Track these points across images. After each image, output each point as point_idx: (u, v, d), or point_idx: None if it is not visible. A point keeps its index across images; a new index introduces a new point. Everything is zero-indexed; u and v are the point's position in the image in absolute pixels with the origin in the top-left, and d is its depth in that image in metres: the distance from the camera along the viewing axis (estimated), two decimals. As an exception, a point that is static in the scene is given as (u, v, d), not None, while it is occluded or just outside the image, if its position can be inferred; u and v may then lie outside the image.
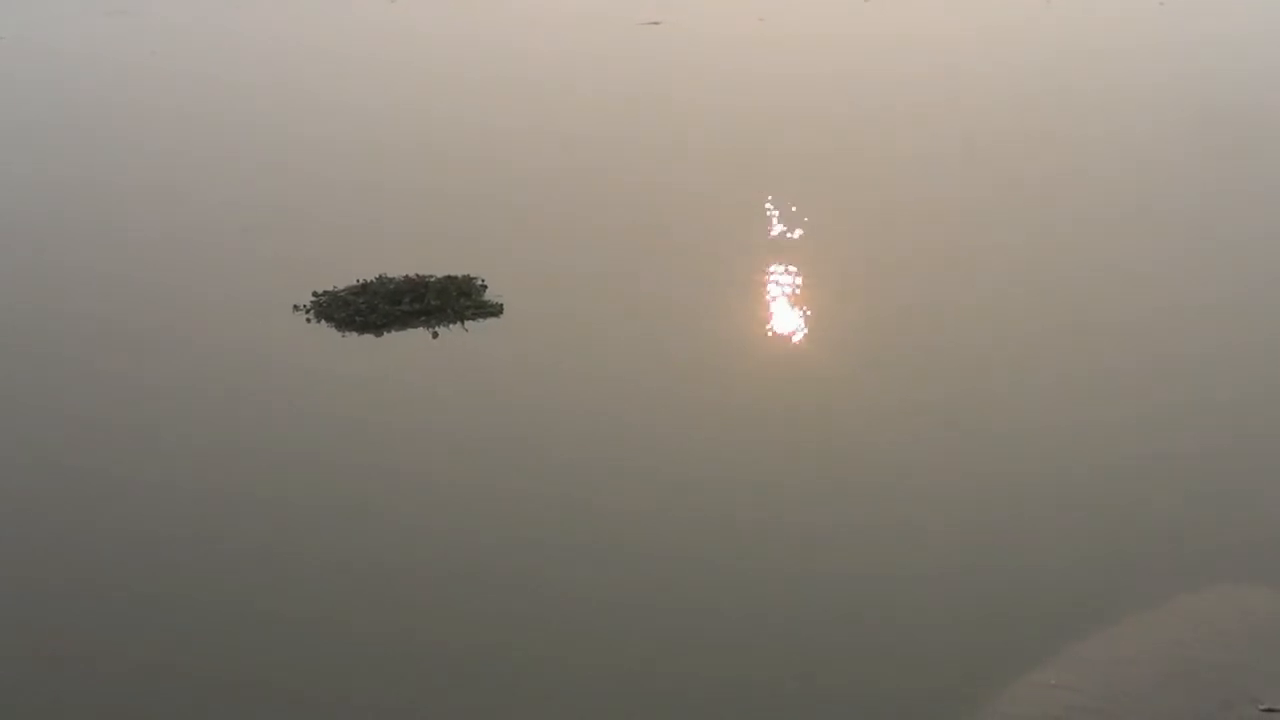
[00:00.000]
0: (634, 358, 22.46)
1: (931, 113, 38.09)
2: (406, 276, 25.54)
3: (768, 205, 29.66)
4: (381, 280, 25.44)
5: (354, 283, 25.60)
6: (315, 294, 25.24)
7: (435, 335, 23.63)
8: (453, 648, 14.87)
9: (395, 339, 23.65)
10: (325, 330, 24.08)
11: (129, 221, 30.24)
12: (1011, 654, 14.16)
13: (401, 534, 17.27)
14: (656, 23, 57.99)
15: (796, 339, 23.01)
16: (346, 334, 23.92)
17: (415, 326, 24.11)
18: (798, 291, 24.79)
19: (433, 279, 25.37)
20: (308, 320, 24.42)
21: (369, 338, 23.74)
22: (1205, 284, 24.57)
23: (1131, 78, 42.69)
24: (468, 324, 24.08)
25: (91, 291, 26.24)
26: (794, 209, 29.44)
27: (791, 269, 25.83)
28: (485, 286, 25.39)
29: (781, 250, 27.03)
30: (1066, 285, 24.61)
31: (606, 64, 48.57)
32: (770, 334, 23.30)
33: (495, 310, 24.50)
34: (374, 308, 24.43)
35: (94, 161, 36.58)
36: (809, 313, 23.92)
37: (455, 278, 25.49)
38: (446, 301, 24.62)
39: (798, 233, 28.01)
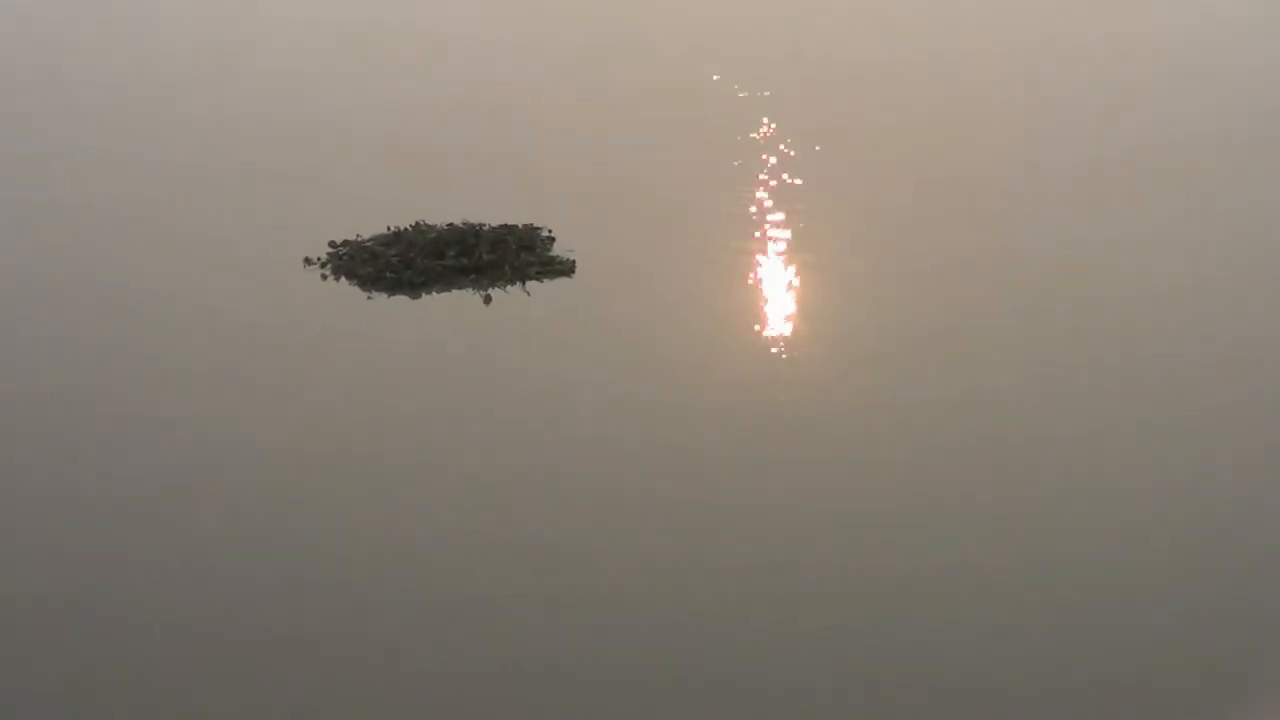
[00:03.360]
0: (727, 330, 17.00)
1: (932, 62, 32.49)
2: (451, 224, 20.04)
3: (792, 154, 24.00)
4: (420, 228, 19.95)
5: (384, 230, 20.14)
6: (333, 244, 19.80)
7: (488, 299, 18.26)
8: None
9: (436, 303, 18.32)
10: (346, 291, 18.78)
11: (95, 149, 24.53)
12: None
13: (427, 556, 12.12)
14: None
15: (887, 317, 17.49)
16: (374, 295, 18.52)
17: (462, 287, 18.74)
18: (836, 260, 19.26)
19: (486, 228, 19.87)
20: (324, 277, 19.05)
21: (402, 300, 18.45)
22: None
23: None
24: (530, 285, 18.54)
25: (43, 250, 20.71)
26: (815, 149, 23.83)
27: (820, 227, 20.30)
28: (553, 239, 19.90)
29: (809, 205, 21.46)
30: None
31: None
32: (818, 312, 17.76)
33: (565, 269, 19.04)
34: (410, 262, 18.99)
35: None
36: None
37: (514, 227, 20.01)
38: (503, 256, 19.17)
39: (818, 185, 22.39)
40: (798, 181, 22.31)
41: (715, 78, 27.97)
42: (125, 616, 12.04)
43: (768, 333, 17.18)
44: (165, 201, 22.00)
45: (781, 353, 16.64)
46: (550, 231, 20.13)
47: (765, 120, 25.31)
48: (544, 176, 22.69)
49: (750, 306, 17.96)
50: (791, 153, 23.65)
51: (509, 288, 18.58)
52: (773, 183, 22.20)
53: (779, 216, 20.73)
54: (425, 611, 11.97)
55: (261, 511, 13.75)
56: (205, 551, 13.07)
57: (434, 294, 18.50)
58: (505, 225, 20.04)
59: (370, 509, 13.70)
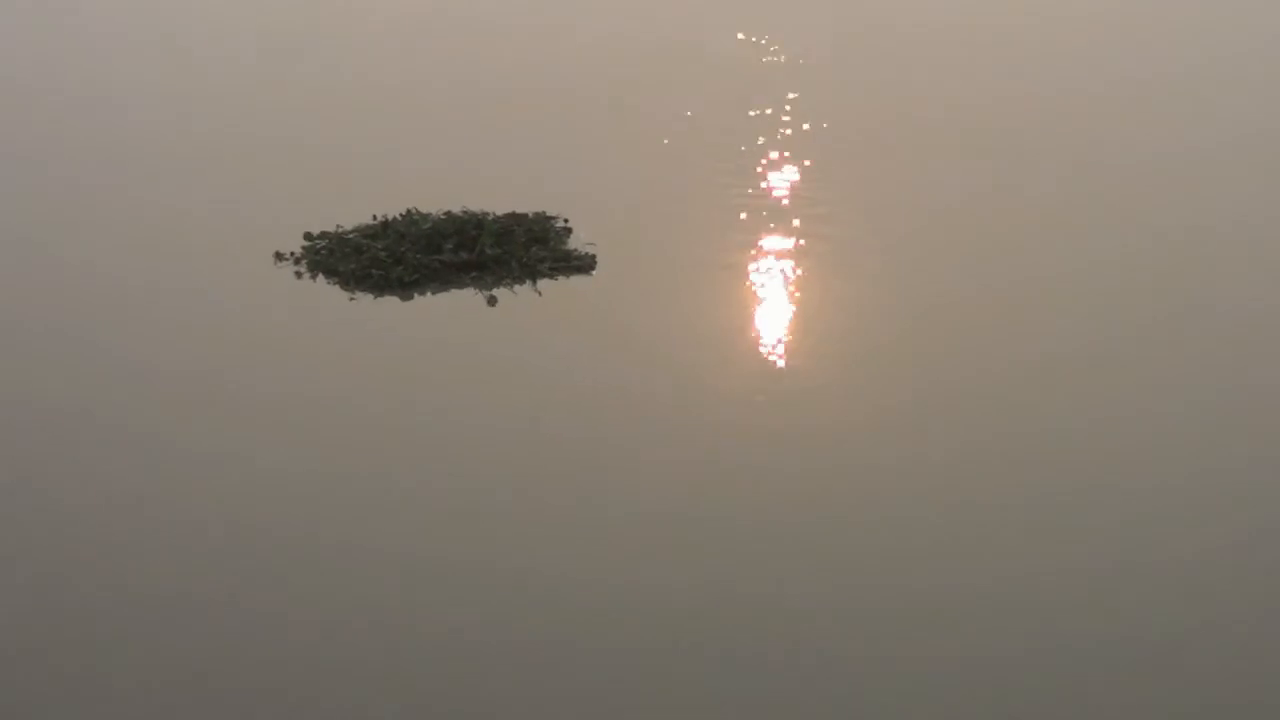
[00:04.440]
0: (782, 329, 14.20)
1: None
2: (449, 212, 17.11)
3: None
4: (412, 217, 17.04)
5: (370, 220, 17.20)
6: (310, 236, 16.89)
7: (493, 301, 15.35)
8: None
9: (430, 305, 15.38)
10: (324, 290, 15.82)
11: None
12: None
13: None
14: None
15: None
16: (357, 296, 15.62)
17: (462, 286, 15.79)
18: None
19: (490, 217, 16.98)
20: (298, 275, 16.18)
21: (391, 302, 15.49)
22: None
23: None
24: (543, 284, 15.68)
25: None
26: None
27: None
28: (570, 230, 16.98)
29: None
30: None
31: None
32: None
33: (585, 264, 16.14)
34: (400, 257, 16.05)
35: None
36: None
37: (524, 216, 17.10)
38: (511, 250, 16.29)
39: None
40: (845, 162, 19.32)
41: (738, 36, 24.94)
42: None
43: (821, 334, 14.28)
44: (105, 183, 18.96)
45: (819, 358, 13.78)
46: (567, 221, 17.17)
47: (802, 93, 22.27)
48: (558, 158, 19.66)
49: (799, 300, 15.03)
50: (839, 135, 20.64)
51: (517, 287, 15.70)
52: (814, 162, 19.20)
53: (823, 204, 17.77)
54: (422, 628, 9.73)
55: (206, 548, 10.87)
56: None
57: (429, 294, 15.57)
58: (513, 214, 17.10)
59: (350, 536, 10.90)
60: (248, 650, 9.79)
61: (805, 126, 20.98)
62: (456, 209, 17.31)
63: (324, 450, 12.28)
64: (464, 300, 15.43)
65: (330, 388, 13.42)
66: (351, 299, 15.48)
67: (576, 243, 16.68)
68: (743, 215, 17.58)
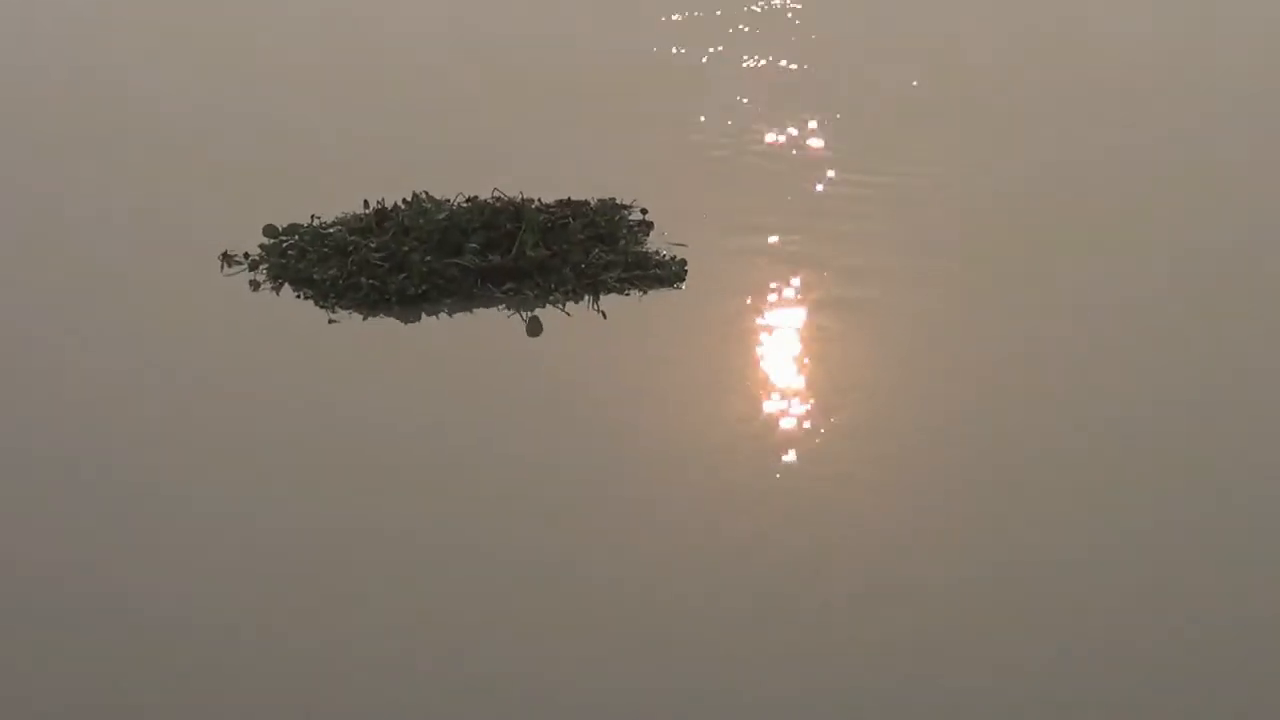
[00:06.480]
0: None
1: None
2: (474, 198, 12.30)
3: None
4: (419, 204, 12.26)
5: (360, 209, 12.44)
6: (273, 231, 12.24)
7: (535, 327, 10.86)
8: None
9: (443, 329, 10.90)
10: (289, 306, 11.25)
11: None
12: None
13: None
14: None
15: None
16: (337, 313, 11.14)
17: (492, 305, 11.11)
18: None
19: (534, 204, 12.21)
20: (253, 285, 11.67)
21: (387, 324, 10.95)
22: None
23: None
24: (609, 301, 11.13)
25: None
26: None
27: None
28: (650, 225, 12.24)
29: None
30: None
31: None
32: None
33: (670, 274, 11.51)
34: (402, 261, 11.41)
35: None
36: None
37: (583, 204, 12.35)
38: (566, 253, 11.59)
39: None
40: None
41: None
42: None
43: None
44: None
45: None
46: (645, 212, 12.35)
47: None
48: (631, 121, 14.63)
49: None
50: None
51: (571, 305, 11.05)
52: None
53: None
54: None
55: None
56: None
57: (442, 315, 10.96)
58: (567, 200, 12.33)
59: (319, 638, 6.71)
60: None
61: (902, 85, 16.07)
62: (484, 193, 12.41)
63: (295, 530, 8.22)
64: (494, 323, 10.81)
65: (300, 444, 9.12)
66: (331, 320, 10.97)
67: (659, 243, 11.89)
68: (865, 206, 12.78)
